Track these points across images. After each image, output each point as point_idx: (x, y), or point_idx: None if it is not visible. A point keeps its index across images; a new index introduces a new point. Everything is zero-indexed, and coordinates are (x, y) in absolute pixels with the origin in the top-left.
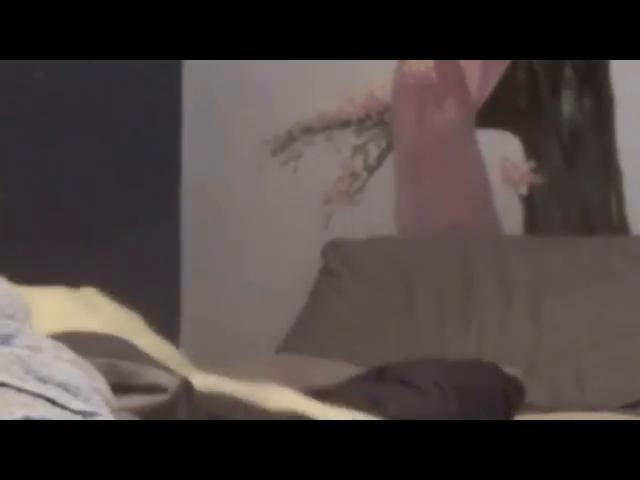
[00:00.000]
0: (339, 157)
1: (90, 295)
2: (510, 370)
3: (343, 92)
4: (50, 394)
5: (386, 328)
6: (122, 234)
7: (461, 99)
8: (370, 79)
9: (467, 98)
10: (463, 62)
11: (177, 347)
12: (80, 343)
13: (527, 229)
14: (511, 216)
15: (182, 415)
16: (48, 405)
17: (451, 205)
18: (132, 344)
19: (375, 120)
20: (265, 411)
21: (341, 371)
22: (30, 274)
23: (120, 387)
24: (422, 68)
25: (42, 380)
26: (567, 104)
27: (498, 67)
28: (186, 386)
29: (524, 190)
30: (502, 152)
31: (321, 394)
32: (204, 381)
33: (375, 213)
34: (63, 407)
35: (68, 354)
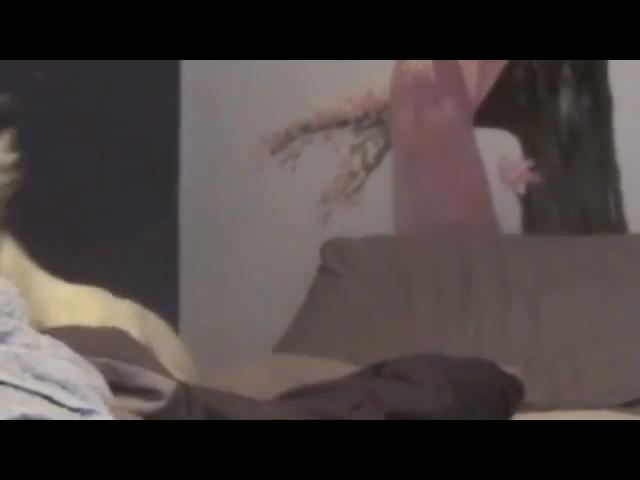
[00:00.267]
0: (337, 156)
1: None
2: (509, 369)
3: (341, 91)
4: (47, 392)
5: (385, 327)
6: (120, 234)
7: (459, 98)
8: (368, 78)
9: (465, 97)
10: (461, 61)
11: None
12: (82, 339)
13: (525, 228)
14: (509, 215)
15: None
16: (45, 403)
17: (449, 204)
18: (138, 344)
19: (373, 119)
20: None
21: (339, 370)
22: None
23: (117, 386)
24: (420, 67)
25: (39, 378)
26: (565, 103)
27: (496, 66)
28: (184, 391)
29: (522, 189)
30: (500, 151)
31: (316, 390)
32: None
33: (373, 212)
34: (60, 405)
35: (66, 352)
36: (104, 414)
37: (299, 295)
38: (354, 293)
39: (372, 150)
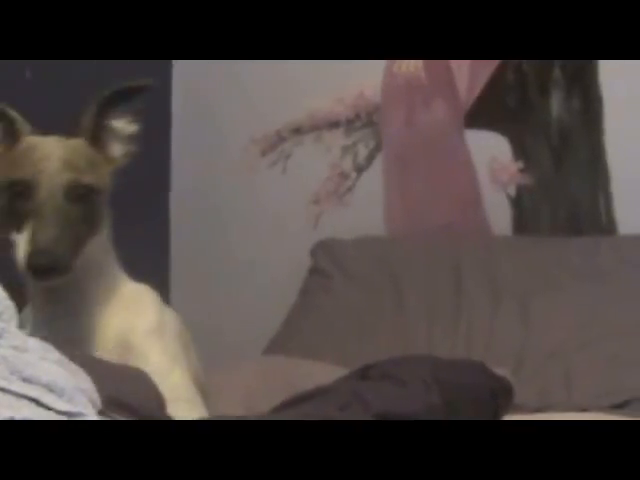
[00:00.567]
0: (328, 157)
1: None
2: (498, 370)
3: (332, 92)
4: (35, 394)
5: (375, 328)
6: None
7: (450, 100)
8: (359, 79)
9: (456, 99)
10: (452, 62)
11: None
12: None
13: (516, 229)
14: (500, 216)
15: None
16: (33, 405)
17: (440, 205)
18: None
19: (364, 120)
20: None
21: (329, 373)
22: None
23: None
24: (411, 68)
25: (27, 380)
26: (556, 105)
27: (487, 68)
28: None
29: (513, 190)
30: (491, 153)
31: (305, 398)
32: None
33: (364, 213)
34: (48, 407)
35: (54, 354)
36: (91, 417)
37: (290, 296)
38: (345, 294)
39: (363, 151)
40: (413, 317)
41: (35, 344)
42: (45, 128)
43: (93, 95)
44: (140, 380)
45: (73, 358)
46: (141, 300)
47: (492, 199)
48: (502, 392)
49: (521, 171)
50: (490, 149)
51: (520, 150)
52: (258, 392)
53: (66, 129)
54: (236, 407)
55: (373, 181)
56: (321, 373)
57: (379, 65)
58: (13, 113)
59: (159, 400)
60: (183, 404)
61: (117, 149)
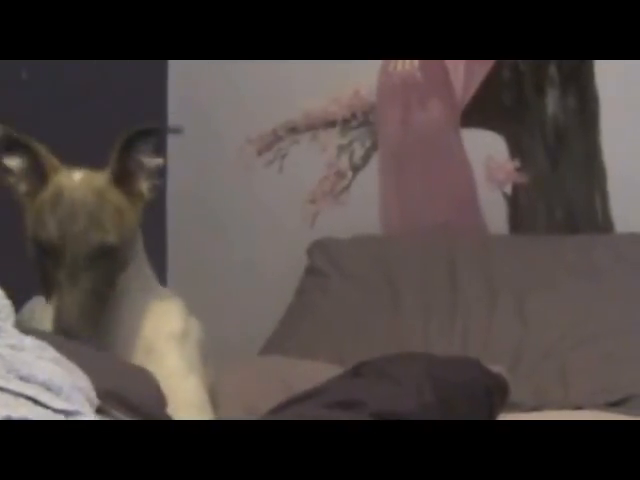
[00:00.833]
0: (324, 156)
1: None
2: (494, 367)
3: (328, 92)
4: (31, 393)
5: (371, 327)
6: None
7: (446, 98)
8: (355, 79)
9: (452, 97)
10: (448, 62)
11: None
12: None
13: (512, 228)
14: (496, 215)
15: None
16: (30, 404)
17: (436, 204)
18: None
19: (360, 120)
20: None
21: (325, 372)
22: (18, 276)
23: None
24: (407, 68)
25: (24, 379)
26: (552, 103)
27: (483, 67)
28: None
29: (509, 189)
30: (487, 151)
31: (300, 398)
32: None
33: (360, 212)
34: (45, 406)
35: (51, 353)
36: (88, 415)
37: (286, 295)
38: (341, 293)
39: (359, 150)
40: (409, 316)
41: (32, 343)
42: (41, 128)
43: (90, 95)
44: (142, 377)
45: (75, 350)
46: (168, 306)
47: (488, 198)
48: (497, 389)
49: (517, 170)
50: (486, 148)
51: (516, 149)
52: (255, 392)
53: (64, 129)
54: (234, 407)
55: (369, 180)
56: (318, 373)
57: (375, 64)
58: (38, 147)
59: (160, 398)
60: (194, 410)
61: (143, 184)
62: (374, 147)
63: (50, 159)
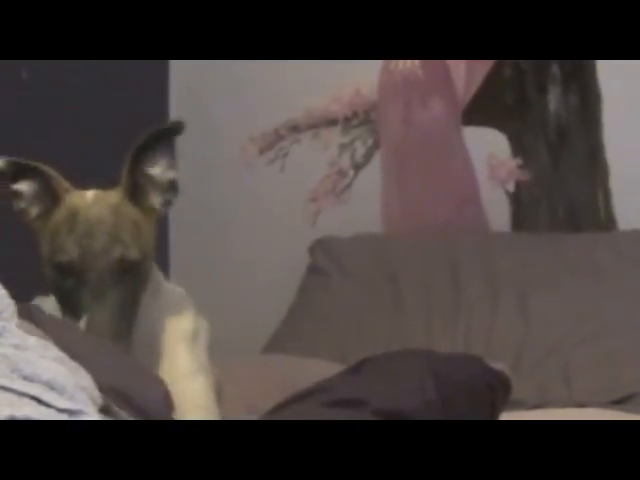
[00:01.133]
0: (326, 155)
1: None
2: (496, 364)
3: (330, 90)
4: (35, 392)
5: (374, 325)
6: None
7: (447, 97)
8: (356, 77)
9: (453, 95)
10: (449, 60)
11: None
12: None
13: (514, 226)
14: (498, 213)
15: None
16: (33, 404)
17: (438, 202)
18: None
19: (362, 118)
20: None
21: (328, 371)
22: (18, 276)
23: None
24: (408, 66)
25: (28, 379)
26: (554, 101)
27: (484, 65)
28: None
29: (511, 187)
30: (489, 149)
31: (301, 396)
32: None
33: (362, 211)
34: (48, 405)
35: (54, 352)
36: (92, 415)
37: (288, 294)
38: (343, 292)
39: (361, 149)
40: (412, 314)
41: (35, 342)
42: (43, 128)
43: (91, 95)
44: (150, 378)
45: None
46: (179, 305)
47: (490, 196)
48: (499, 386)
49: (519, 168)
50: (488, 146)
51: (518, 147)
52: (258, 391)
53: (66, 129)
54: (236, 407)
55: (371, 179)
56: (320, 371)
57: (376, 63)
58: (47, 170)
59: (167, 400)
60: (201, 411)
61: (156, 199)
62: (376, 145)
63: (60, 181)
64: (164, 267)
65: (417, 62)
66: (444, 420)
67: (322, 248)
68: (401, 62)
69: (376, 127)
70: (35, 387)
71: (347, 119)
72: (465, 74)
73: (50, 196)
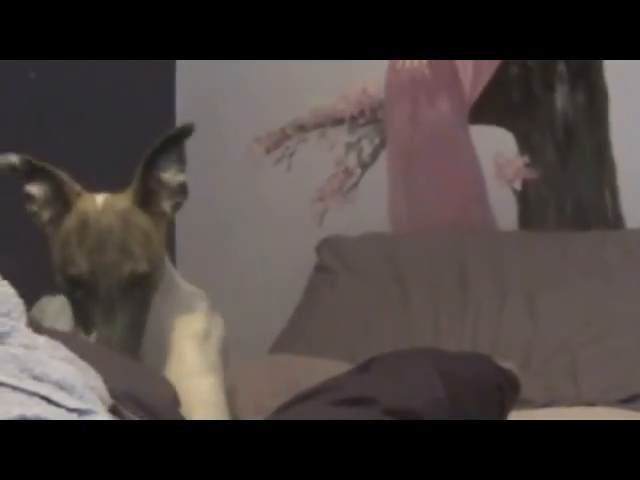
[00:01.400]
0: (333, 154)
1: None
2: (505, 363)
3: (336, 89)
4: (45, 392)
5: (381, 324)
6: None
7: (454, 95)
8: (363, 76)
9: (460, 94)
10: None
11: None
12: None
13: (521, 224)
14: (505, 211)
15: None
16: (43, 403)
17: (445, 201)
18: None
19: (368, 117)
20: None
21: (335, 370)
22: (20, 276)
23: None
24: (415, 64)
25: (37, 378)
26: (561, 99)
27: (491, 63)
28: None
29: (518, 185)
30: (496, 148)
31: (309, 395)
32: None
33: (369, 210)
34: (58, 405)
35: (63, 352)
36: (101, 414)
37: (295, 293)
38: (350, 291)
39: (367, 148)
40: (419, 313)
41: (44, 342)
42: (49, 128)
43: (98, 95)
44: (157, 380)
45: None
46: (193, 305)
47: (497, 194)
48: (508, 385)
49: (526, 166)
50: (495, 144)
51: (525, 145)
52: (266, 391)
53: (72, 129)
54: (245, 407)
55: (378, 178)
56: (328, 371)
57: (383, 62)
58: (60, 173)
59: (175, 400)
60: (210, 410)
61: (167, 203)
62: (382, 144)
63: (72, 185)
64: None
65: (424, 61)
66: (453, 420)
67: (329, 247)
68: (408, 61)
69: (383, 126)
70: (45, 387)
71: (354, 118)
72: (472, 73)
73: (61, 201)
